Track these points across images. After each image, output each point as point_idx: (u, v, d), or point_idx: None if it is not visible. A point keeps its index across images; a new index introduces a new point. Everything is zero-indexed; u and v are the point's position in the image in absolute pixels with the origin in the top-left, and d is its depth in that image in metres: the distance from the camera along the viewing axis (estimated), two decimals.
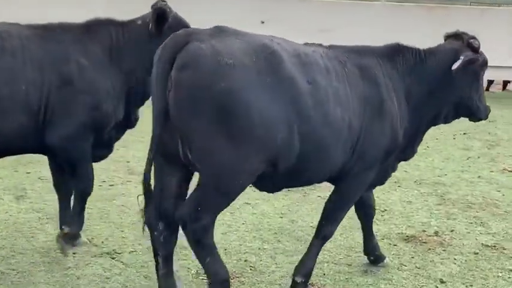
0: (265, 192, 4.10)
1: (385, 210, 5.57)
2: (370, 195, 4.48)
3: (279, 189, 3.91)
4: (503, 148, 8.39)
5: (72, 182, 4.41)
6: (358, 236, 4.70)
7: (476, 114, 4.33)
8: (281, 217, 5.40)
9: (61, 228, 4.38)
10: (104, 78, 4.16)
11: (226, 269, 3.51)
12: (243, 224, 5.19)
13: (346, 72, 3.69)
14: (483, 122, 4.65)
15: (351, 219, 4.60)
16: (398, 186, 6.33)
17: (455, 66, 3.98)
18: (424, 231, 5.11)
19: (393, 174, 6.58)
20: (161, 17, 4.15)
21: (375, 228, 4.98)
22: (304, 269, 3.95)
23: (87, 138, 4.20)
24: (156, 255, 3.55)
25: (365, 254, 4.51)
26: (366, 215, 4.49)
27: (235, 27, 3.44)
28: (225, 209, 3.58)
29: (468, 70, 4.08)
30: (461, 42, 4.19)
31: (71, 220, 4.37)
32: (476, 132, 9.00)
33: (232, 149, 3.21)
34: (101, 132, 4.25)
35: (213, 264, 3.43)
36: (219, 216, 3.49)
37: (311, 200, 5.78)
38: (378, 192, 5.96)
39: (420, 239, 4.93)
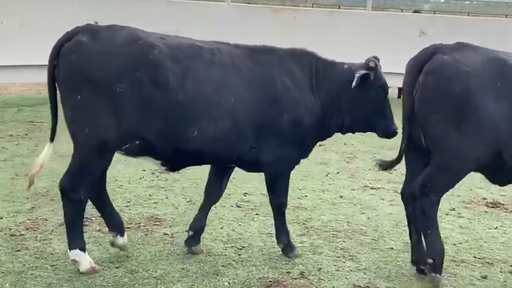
0: None
1: (243, 247, 4.88)
2: None
3: (508, 183, 4.55)
4: (362, 161, 8.06)
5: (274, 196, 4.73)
6: None
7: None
8: None
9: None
10: (304, 99, 4.50)
11: (443, 244, 4.33)
12: None
13: None
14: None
15: None
16: (256, 214, 5.68)
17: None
18: (289, 272, 4.47)
19: (249, 199, 6.09)
20: (366, 76, 4.50)
21: (231, 272, 4.34)
22: None
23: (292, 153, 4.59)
24: (409, 224, 4.55)
25: None
26: None
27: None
28: None
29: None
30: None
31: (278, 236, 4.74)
32: (332, 143, 8.57)
33: (461, 139, 4.08)
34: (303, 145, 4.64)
35: (433, 236, 4.24)
36: None
37: None
38: (233, 224, 5.32)
39: (285, 284, 4.28)
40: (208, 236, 5.02)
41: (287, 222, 5.43)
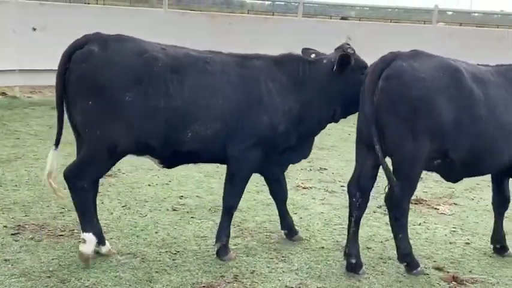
0: None
1: (177, 252, 4.60)
2: None
3: (460, 178, 4.64)
4: None
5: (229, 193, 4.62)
6: None
7: None
8: None
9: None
10: (283, 104, 4.46)
11: (410, 246, 4.42)
12: None
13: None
14: None
15: None
16: (192, 217, 5.39)
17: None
18: (223, 276, 4.22)
19: (185, 202, 5.81)
20: (344, 62, 4.47)
21: (164, 278, 4.07)
22: None
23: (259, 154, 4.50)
24: (350, 216, 4.40)
25: None
26: None
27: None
28: None
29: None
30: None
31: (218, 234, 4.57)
32: None
33: (415, 141, 4.09)
34: (272, 152, 4.57)
35: (402, 240, 4.36)
36: None
37: None
38: (168, 228, 5.04)
39: None
40: (143, 241, 4.73)
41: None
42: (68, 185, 4.18)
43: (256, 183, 6.51)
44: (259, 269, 4.37)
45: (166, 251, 4.58)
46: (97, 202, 5.25)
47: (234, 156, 4.42)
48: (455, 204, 6.24)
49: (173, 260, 4.45)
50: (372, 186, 4.45)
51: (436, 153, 4.20)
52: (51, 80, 11.85)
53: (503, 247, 4.90)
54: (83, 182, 4.13)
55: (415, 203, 6.09)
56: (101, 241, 4.44)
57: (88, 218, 4.26)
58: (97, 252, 4.44)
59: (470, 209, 6.12)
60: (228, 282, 4.13)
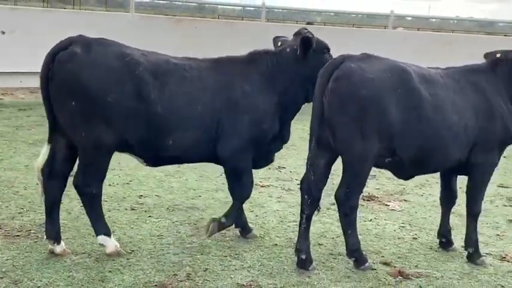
0: None
1: (132, 251, 4.46)
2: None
3: (411, 176, 4.58)
4: None
5: (234, 188, 4.68)
6: None
7: None
8: None
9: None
10: (263, 101, 4.46)
11: (359, 241, 4.36)
12: None
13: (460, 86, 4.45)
14: None
15: None
16: (149, 216, 5.25)
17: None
18: (176, 275, 4.10)
19: (144, 201, 5.67)
20: (307, 44, 4.48)
21: (117, 278, 3.94)
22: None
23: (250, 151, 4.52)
24: (302, 213, 4.30)
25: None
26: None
27: None
28: None
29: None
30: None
31: (228, 214, 4.64)
32: None
33: (364, 139, 4.03)
34: (261, 146, 4.56)
35: (351, 236, 4.29)
36: None
37: None
38: (125, 227, 4.90)
39: (170, 287, 3.92)
40: None
41: (179, 224, 5.12)
42: (78, 194, 4.25)
43: (216, 182, 6.43)
44: (212, 266, 4.26)
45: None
46: None
47: (227, 158, 4.44)
48: (405, 200, 6.21)
49: (127, 259, 4.31)
50: (325, 184, 4.38)
51: (386, 152, 4.15)
52: (22, 82, 11.51)
53: (449, 241, 4.87)
54: (91, 188, 4.15)
55: (367, 200, 6.05)
56: (57, 240, 4.31)
57: (98, 221, 4.29)
58: (51, 252, 4.30)
59: (419, 205, 6.09)
60: (180, 281, 4.01)
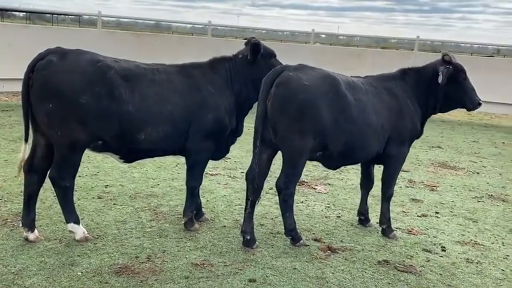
0: None
1: (99, 236, 4.05)
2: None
3: (338, 166, 4.36)
4: None
5: (192, 177, 4.27)
6: None
7: None
8: None
9: None
10: (224, 100, 4.17)
11: (295, 222, 4.12)
12: None
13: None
14: None
15: None
16: (114, 203, 4.82)
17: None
18: (137, 257, 3.73)
19: (109, 190, 5.21)
20: (256, 49, 4.26)
21: (85, 261, 3.53)
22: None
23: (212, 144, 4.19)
24: (247, 199, 4.02)
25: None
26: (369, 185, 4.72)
27: None
28: None
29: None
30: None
31: (187, 207, 4.33)
32: None
33: (301, 137, 3.81)
34: (221, 140, 4.25)
35: (289, 218, 4.04)
36: None
37: None
38: (93, 214, 4.47)
39: (133, 269, 3.54)
40: None
41: (141, 210, 4.72)
42: (53, 185, 3.85)
43: (172, 172, 6.05)
44: (169, 248, 3.92)
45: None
46: None
47: (192, 149, 4.10)
48: (329, 184, 6.03)
49: (94, 243, 3.91)
50: (267, 174, 4.15)
51: (318, 147, 3.93)
52: (5, 87, 10.49)
53: (367, 219, 4.71)
54: (64, 181, 3.78)
55: (299, 184, 5.78)
56: (31, 228, 3.88)
57: (69, 210, 3.91)
58: (26, 239, 3.85)
59: (340, 188, 5.92)
60: (142, 263, 3.64)
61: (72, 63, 3.68)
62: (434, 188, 6.20)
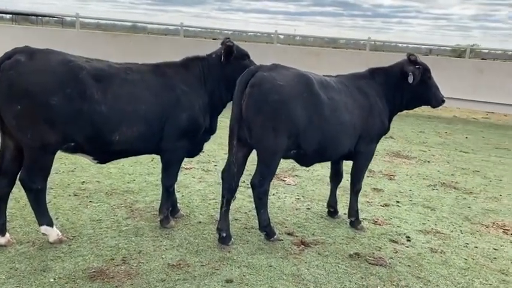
0: None
1: (74, 237, 3.52)
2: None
3: (312, 164, 3.90)
4: None
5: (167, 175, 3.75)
6: None
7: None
8: None
9: None
10: (198, 99, 3.65)
11: (269, 218, 3.70)
12: None
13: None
14: None
15: None
16: (90, 201, 4.28)
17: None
18: (113, 259, 3.23)
19: (86, 187, 4.64)
20: (229, 51, 3.77)
21: (58, 266, 3.01)
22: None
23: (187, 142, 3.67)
24: (222, 197, 3.58)
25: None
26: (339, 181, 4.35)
27: None
28: None
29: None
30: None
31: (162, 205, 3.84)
32: None
33: (275, 136, 3.38)
34: (195, 138, 3.72)
35: (263, 214, 3.65)
36: None
37: None
38: (68, 213, 3.92)
39: (107, 272, 3.05)
40: None
41: (116, 207, 4.19)
42: (24, 189, 3.27)
43: (148, 167, 5.52)
44: (145, 248, 3.43)
45: (64, 237, 3.49)
46: None
47: (167, 148, 3.59)
48: (297, 176, 5.64)
49: (69, 245, 3.38)
50: (242, 173, 3.71)
51: (292, 145, 3.51)
52: None
53: (336, 211, 4.35)
54: (36, 184, 3.22)
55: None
56: (1, 232, 3.32)
57: (41, 213, 3.36)
58: None
59: (308, 179, 5.55)
60: (117, 265, 3.15)
61: (42, 62, 3.11)
62: (392, 177, 5.92)
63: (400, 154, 7.28)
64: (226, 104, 3.93)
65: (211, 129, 3.93)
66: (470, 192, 5.49)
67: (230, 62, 3.77)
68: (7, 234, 3.37)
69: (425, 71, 3.97)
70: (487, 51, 20.16)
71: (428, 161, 6.96)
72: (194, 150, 3.92)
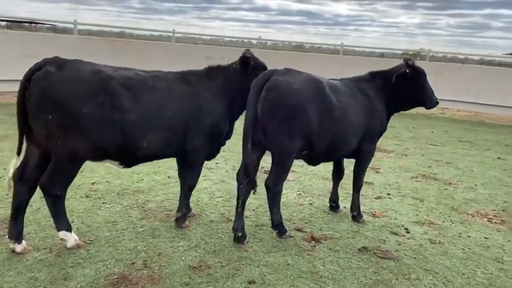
0: None
1: (91, 241, 3.14)
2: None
3: (320, 163, 3.58)
4: None
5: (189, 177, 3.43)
6: None
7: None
8: None
9: None
10: (220, 106, 3.32)
11: (281, 217, 3.41)
12: None
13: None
14: None
15: None
16: (103, 202, 3.89)
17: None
18: (133, 263, 2.88)
19: (96, 188, 4.22)
20: (246, 62, 3.46)
21: (79, 273, 2.62)
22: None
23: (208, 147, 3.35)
24: (238, 199, 3.26)
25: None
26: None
27: None
28: None
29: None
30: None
31: (181, 205, 3.50)
32: None
33: (289, 138, 3.11)
34: (216, 142, 3.41)
35: (276, 213, 3.36)
36: None
37: None
38: (83, 216, 3.51)
39: (130, 278, 2.69)
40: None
41: (129, 208, 3.81)
42: (43, 193, 2.91)
43: (154, 166, 5.12)
44: (164, 250, 3.09)
45: (81, 241, 3.10)
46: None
47: (192, 151, 3.29)
48: (294, 171, 5.34)
49: (87, 250, 3.00)
50: (256, 173, 3.35)
51: (305, 147, 3.25)
52: None
53: (337, 205, 4.10)
54: (56, 189, 2.87)
55: (266, 173, 5.11)
56: (18, 240, 2.91)
57: (60, 218, 2.98)
58: (13, 251, 2.87)
59: (304, 174, 5.28)
60: (139, 269, 2.80)
61: (72, 72, 2.80)
62: (378, 170, 5.72)
63: (379, 148, 7.08)
64: (243, 112, 3.62)
65: (229, 134, 3.61)
66: (450, 183, 5.36)
67: (248, 73, 3.45)
68: (23, 242, 2.96)
69: (420, 74, 3.75)
70: (442, 55, 20.42)
71: (406, 154, 6.81)
72: (213, 153, 3.59)
